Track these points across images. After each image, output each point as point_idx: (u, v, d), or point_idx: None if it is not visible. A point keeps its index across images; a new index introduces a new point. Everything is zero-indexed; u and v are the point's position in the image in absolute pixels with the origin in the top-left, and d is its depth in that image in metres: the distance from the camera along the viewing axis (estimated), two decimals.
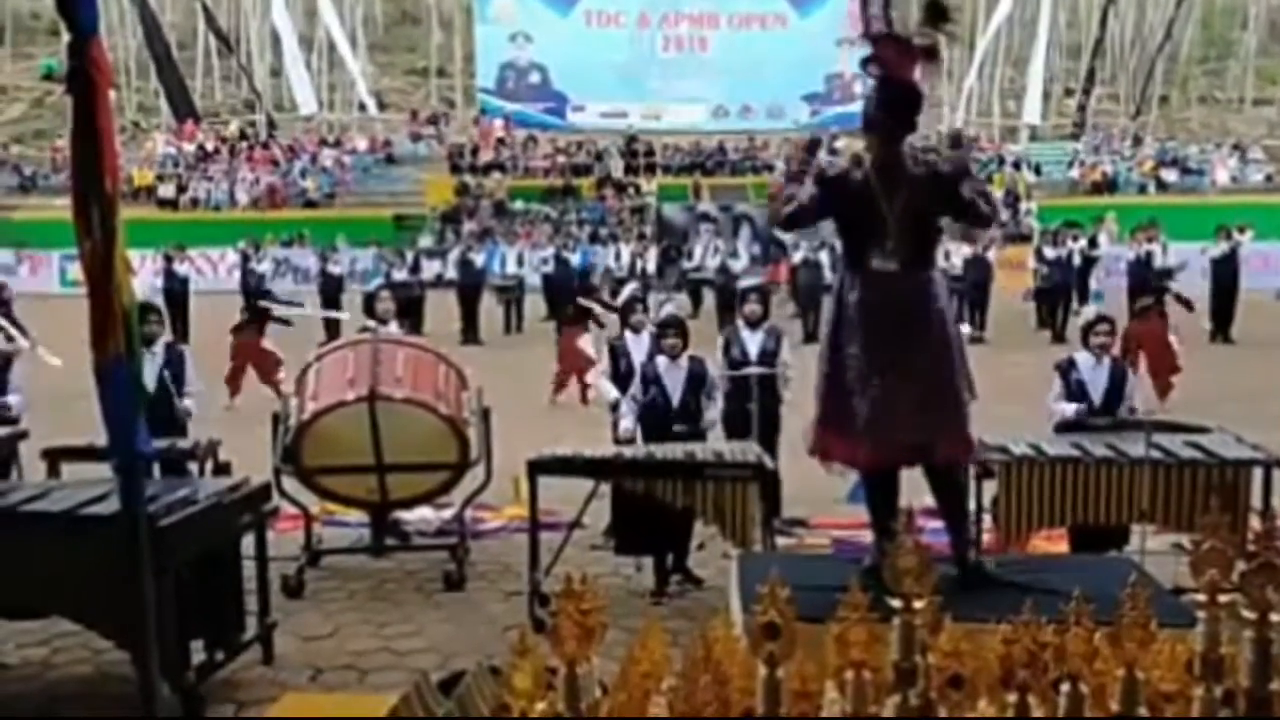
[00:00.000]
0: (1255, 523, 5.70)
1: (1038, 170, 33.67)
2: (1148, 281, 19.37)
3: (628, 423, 7.32)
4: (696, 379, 7.28)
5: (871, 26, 4.67)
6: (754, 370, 7.75)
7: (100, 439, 4.50)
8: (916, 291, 4.72)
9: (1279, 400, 12.18)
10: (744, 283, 9.42)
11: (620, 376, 7.80)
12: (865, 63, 4.73)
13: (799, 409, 8.20)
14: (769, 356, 7.90)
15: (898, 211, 4.65)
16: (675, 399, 7.22)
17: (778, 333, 8.18)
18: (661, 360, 7.31)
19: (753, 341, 7.98)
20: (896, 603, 2.47)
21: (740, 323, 8.24)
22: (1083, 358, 7.21)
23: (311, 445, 7.02)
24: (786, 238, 23.62)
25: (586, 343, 13.13)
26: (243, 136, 36.96)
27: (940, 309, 4.81)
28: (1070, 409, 7.07)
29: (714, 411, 7.33)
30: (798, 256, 20.58)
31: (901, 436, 4.69)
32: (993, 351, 15.66)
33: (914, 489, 4.99)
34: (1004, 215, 11.77)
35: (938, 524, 5.19)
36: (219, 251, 25.82)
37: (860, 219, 4.73)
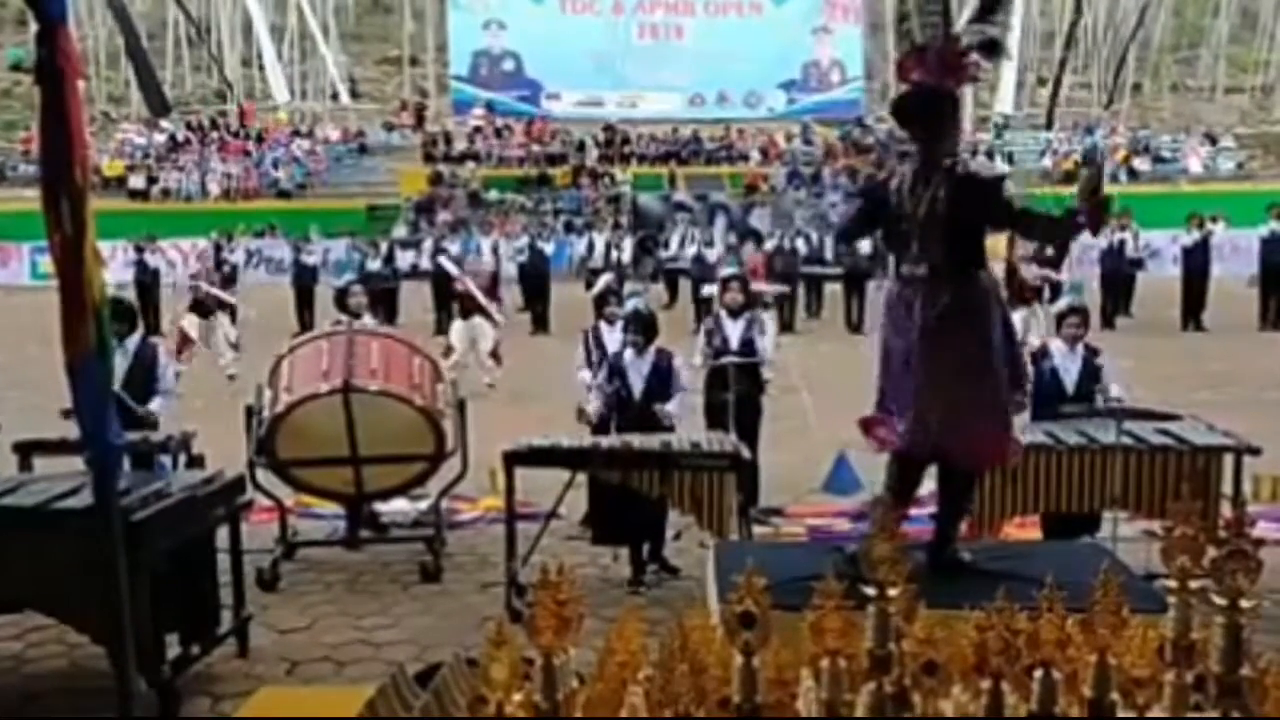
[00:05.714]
0: (1226, 509, 5.80)
1: (1010, 159, 33.81)
2: (1120, 270, 19.56)
3: (592, 408, 7.28)
4: (661, 372, 7.23)
5: (923, 32, 4.62)
6: (735, 359, 7.75)
7: (72, 433, 4.47)
8: (948, 298, 4.57)
9: (1250, 387, 12.31)
10: (725, 271, 9.38)
11: (594, 367, 7.78)
12: (902, 68, 4.69)
13: (778, 399, 8.24)
14: (750, 345, 7.91)
15: (922, 216, 4.56)
16: (638, 392, 7.18)
17: (759, 321, 8.18)
18: (629, 353, 7.28)
19: (734, 330, 7.98)
20: (872, 590, 2.48)
21: (722, 311, 8.24)
22: (1056, 346, 7.27)
23: (286, 437, 6.99)
24: (764, 228, 23.70)
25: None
26: (214, 126, 36.72)
27: (979, 316, 4.63)
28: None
29: (673, 405, 7.19)
30: (770, 245, 20.56)
31: (931, 439, 4.67)
32: None
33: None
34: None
35: (914, 510, 5.20)
36: (190, 242, 25.64)
37: (891, 224, 4.71)
